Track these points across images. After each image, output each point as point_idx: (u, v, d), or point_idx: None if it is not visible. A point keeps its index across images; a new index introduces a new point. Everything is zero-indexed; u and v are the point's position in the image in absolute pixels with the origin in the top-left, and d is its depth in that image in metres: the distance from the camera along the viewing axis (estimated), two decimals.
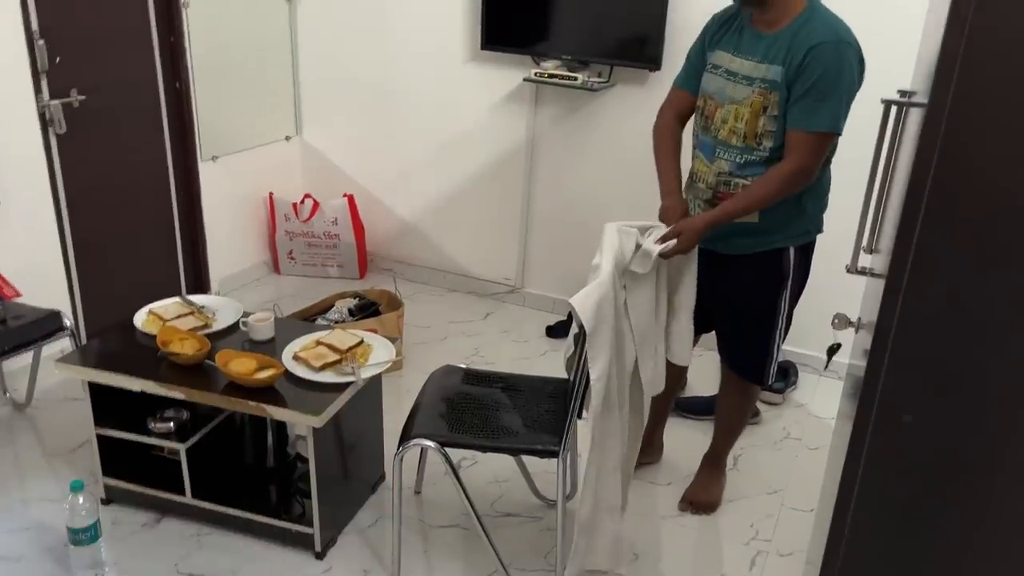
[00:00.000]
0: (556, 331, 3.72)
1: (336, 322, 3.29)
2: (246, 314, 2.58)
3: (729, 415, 2.58)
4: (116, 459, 2.46)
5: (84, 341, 3.25)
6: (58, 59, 3.05)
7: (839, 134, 2.06)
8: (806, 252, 2.28)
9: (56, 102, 3.06)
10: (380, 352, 2.41)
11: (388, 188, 4.17)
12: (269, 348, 2.43)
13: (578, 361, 2.02)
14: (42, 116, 3.03)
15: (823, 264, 2.40)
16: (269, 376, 2.20)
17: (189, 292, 3.86)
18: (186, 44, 3.53)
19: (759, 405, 3.15)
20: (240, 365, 2.23)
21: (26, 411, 2.98)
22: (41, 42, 2.96)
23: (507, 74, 3.64)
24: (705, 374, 3.43)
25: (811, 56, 1.97)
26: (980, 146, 1.06)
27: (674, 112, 2.34)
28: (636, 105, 3.45)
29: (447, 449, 2.09)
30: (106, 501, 2.51)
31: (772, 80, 2.04)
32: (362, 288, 3.95)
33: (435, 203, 4.07)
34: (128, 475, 2.47)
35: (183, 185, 3.70)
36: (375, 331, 3.23)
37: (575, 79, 3.36)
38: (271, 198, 4.12)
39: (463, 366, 2.49)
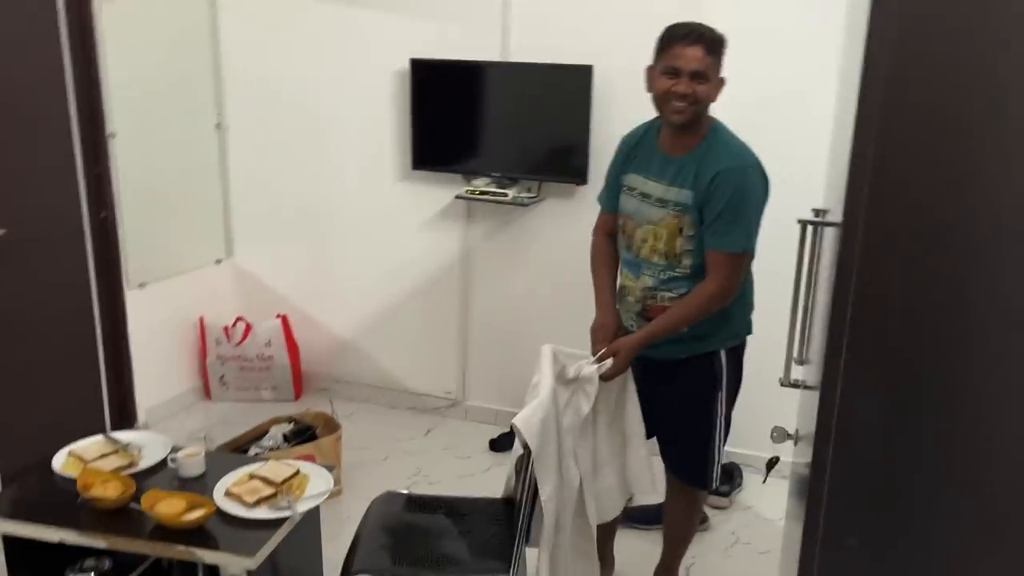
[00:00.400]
0: (499, 444, 3.66)
1: (271, 449, 3.18)
2: (175, 449, 2.46)
3: (677, 523, 2.58)
4: None
5: None
6: None
7: (752, 252, 2.18)
8: (737, 353, 2.35)
9: None
10: (317, 482, 2.32)
11: (323, 306, 4.13)
12: (200, 485, 2.32)
13: (524, 483, 1.98)
14: None
15: (758, 366, 2.44)
16: (199, 517, 2.09)
17: (115, 423, 3.69)
18: (112, 173, 3.50)
19: (707, 510, 3.12)
20: (167, 507, 2.11)
21: None
22: None
23: (438, 192, 3.71)
24: None
25: (718, 181, 2.08)
26: (895, 261, 1.10)
27: (603, 232, 2.45)
28: (566, 217, 3.54)
29: None
30: None
31: (684, 203, 2.14)
32: (297, 410, 3.83)
33: (371, 319, 4.04)
34: None
35: (108, 313, 3.59)
36: (312, 457, 3.14)
37: (505, 195, 3.44)
38: (201, 323, 4.03)
39: (404, 492, 2.41)
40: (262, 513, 2.15)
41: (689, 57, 2.06)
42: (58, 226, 3.34)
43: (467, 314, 3.84)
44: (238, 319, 4.04)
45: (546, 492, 1.86)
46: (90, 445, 2.49)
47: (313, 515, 2.40)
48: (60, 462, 2.40)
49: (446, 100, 3.56)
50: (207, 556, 2.03)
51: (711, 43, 2.07)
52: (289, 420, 3.38)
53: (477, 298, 3.81)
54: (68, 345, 3.46)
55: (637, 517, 3.09)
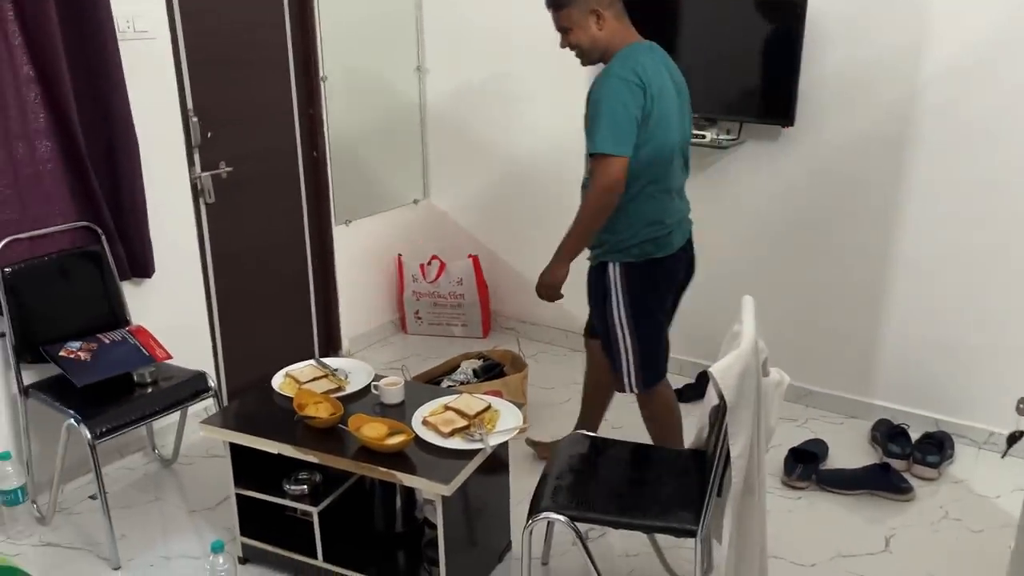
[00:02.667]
0: (685, 394, 3.59)
1: (461, 383, 3.30)
2: (377, 377, 2.62)
3: (649, 428, 2.75)
4: (254, 518, 2.52)
5: (226, 401, 3.40)
6: (209, 134, 3.26)
7: (615, 155, 2.29)
8: (637, 271, 2.47)
9: (207, 174, 3.27)
10: (507, 418, 2.38)
11: (512, 248, 4.20)
12: (398, 412, 2.45)
13: (717, 436, 1.92)
14: (194, 187, 3.24)
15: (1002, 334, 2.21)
16: (399, 442, 2.21)
17: (322, 350, 3.98)
18: (323, 115, 3.71)
19: (911, 480, 2.91)
20: (372, 430, 2.25)
21: (172, 467, 3.12)
22: (195, 119, 3.18)
23: None
24: (849, 445, 3.22)
25: (593, 86, 2.34)
26: None
27: None
28: (768, 162, 3.35)
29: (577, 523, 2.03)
30: (243, 560, 2.57)
31: (586, 101, 2.39)
32: (486, 347, 3.96)
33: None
34: (265, 535, 2.52)
35: (318, 248, 3.85)
36: (500, 393, 3.23)
37: (703, 137, 3.29)
38: (399, 260, 4.23)
39: (592, 435, 2.42)
40: (456, 443, 2.25)
41: (552, 20, 2.41)
42: (276, 165, 3.60)
43: None
44: (433, 257, 4.20)
45: (737, 449, 1.79)
46: (304, 368, 2.70)
47: (502, 450, 2.48)
48: (278, 382, 2.62)
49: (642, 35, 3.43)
50: (406, 479, 2.15)
51: (550, 2, 2.39)
52: (479, 356, 3.49)
53: None
54: (284, 276, 3.75)
55: (831, 479, 2.94)
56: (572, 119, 3.76)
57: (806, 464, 2.98)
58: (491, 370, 3.39)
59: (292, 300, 3.82)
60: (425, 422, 2.35)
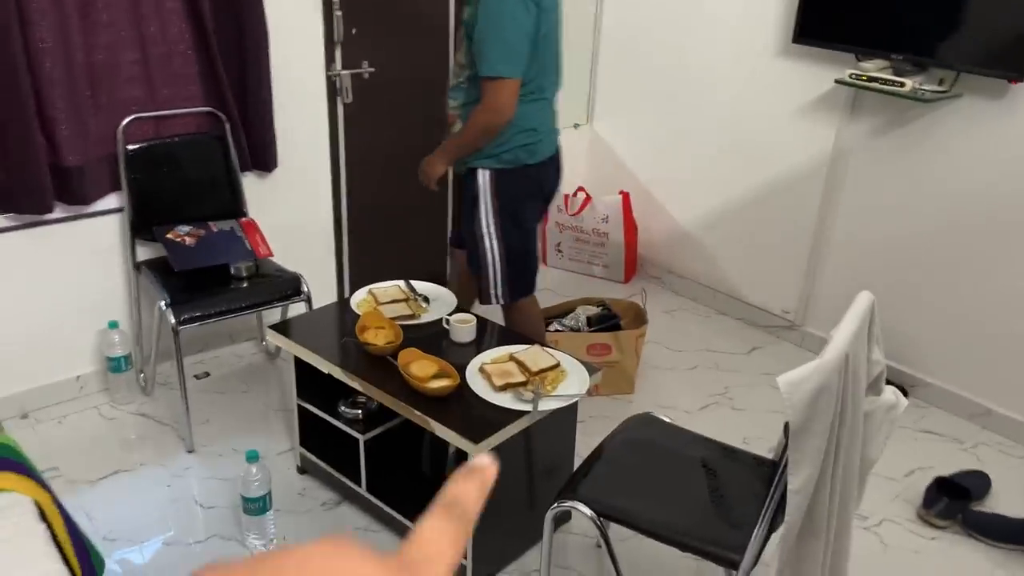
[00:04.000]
0: None
1: (572, 329, 3.04)
2: (451, 313, 2.43)
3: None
4: (315, 431, 2.47)
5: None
6: (354, 31, 3.13)
7: (508, 78, 2.21)
8: (506, 177, 2.42)
9: (347, 72, 3.16)
10: (573, 382, 2.11)
11: (668, 189, 3.79)
12: (465, 352, 2.25)
13: (781, 460, 1.53)
14: (331, 85, 3.15)
15: None
16: (442, 386, 2.02)
17: (453, 272, 3.86)
18: None
19: None
20: (418, 368, 2.07)
21: (275, 361, 3.16)
22: (339, 13, 3.06)
23: (820, 73, 3.05)
24: (1021, 486, 2.62)
25: (479, 7, 2.19)
26: None
27: None
28: (985, 124, 2.68)
29: (609, 522, 1.74)
30: (301, 470, 2.54)
31: (468, 21, 2.28)
32: (625, 293, 3.67)
33: (717, 212, 3.60)
34: (321, 451, 2.47)
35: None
36: (609, 348, 2.94)
37: (902, 85, 2.68)
38: None
39: (666, 419, 2.08)
40: (504, 400, 2.01)
41: None
42: (424, 71, 3.42)
43: (826, 227, 3.21)
44: (579, 189, 3.89)
45: (796, 482, 1.41)
46: (388, 288, 2.56)
47: (569, 410, 2.21)
48: (358, 298, 2.51)
49: None
50: (438, 428, 1.96)
51: None
52: (599, 303, 3.19)
53: (843, 210, 3.15)
54: (420, 188, 3.61)
55: (983, 526, 2.39)
56: (759, 53, 3.27)
57: (953, 499, 2.44)
58: (606, 320, 3.08)
59: (427, 214, 3.69)
60: (482, 369, 2.13)
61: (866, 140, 3.01)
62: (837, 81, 2.87)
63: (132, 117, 2.67)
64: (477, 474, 0.43)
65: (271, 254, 2.77)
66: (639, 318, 3.11)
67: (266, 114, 2.90)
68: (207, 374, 3.05)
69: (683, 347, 3.39)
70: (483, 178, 2.44)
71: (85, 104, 2.55)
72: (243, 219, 2.85)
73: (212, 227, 2.76)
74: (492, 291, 2.55)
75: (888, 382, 1.72)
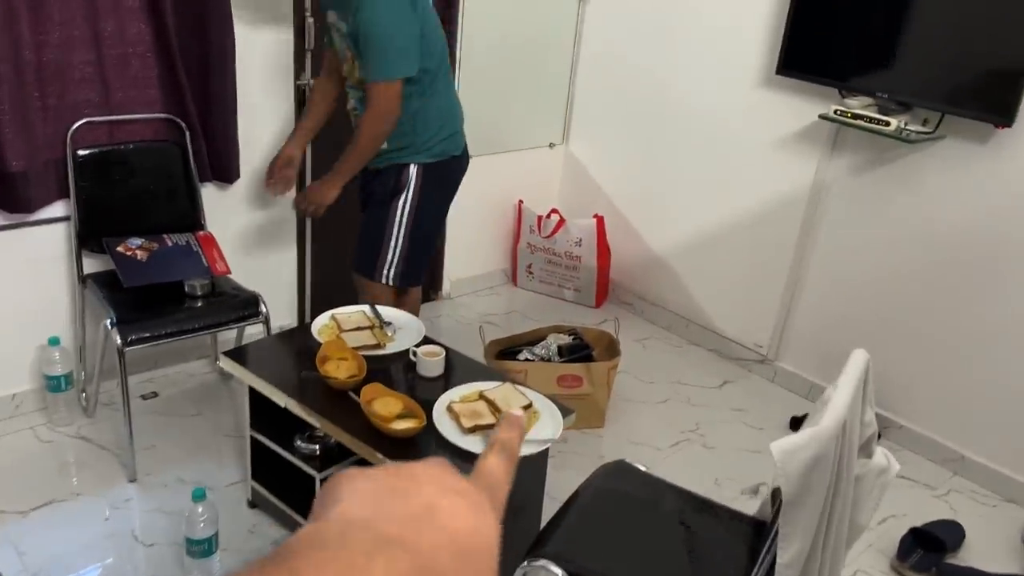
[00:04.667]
0: (801, 425, 3.02)
1: (542, 358, 2.93)
2: (427, 340, 2.31)
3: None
4: (267, 463, 2.32)
5: (297, 323, 3.24)
6: (326, 39, 2.99)
7: (394, 79, 2.28)
8: (434, 170, 2.50)
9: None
10: (546, 423, 2.00)
11: (643, 214, 3.71)
12: (432, 386, 2.13)
13: (772, 527, 1.44)
14: (301, 94, 3.00)
15: None
16: (406, 428, 1.89)
17: (423, 290, 3.73)
18: (458, 34, 3.35)
19: None
20: (383, 406, 1.95)
21: (229, 383, 3.00)
22: (311, 21, 2.92)
23: (801, 106, 2.99)
24: (994, 537, 2.57)
25: (359, 11, 2.21)
26: None
27: (327, 70, 2.62)
28: (969, 167, 2.64)
29: None
30: (252, 504, 2.39)
31: (350, 33, 2.30)
32: (597, 318, 3.59)
33: (693, 240, 3.53)
34: (274, 485, 2.32)
35: None
36: (580, 380, 2.84)
37: (887, 124, 2.63)
38: (519, 206, 3.86)
39: (642, 469, 1.98)
40: (473, 443, 1.90)
41: None
42: None
43: (803, 261, 3.15)
44: (552, 211, 3.80)
45: (786, 556, 1.32)
46: (353, 313, 2.42)
47: (540, 456, 2.10)
48: (320, 324, 2.37)
49: None
50: None
51: None
52: (570, 332, 3.09)
53: (820, 245, 3.09)
54: None
55: None
56: (741, 82, 3.20)
57: (928, 551, 2.38)
58: (578, 350, 2.98)
59: None
60: (450, 408, 2.01)
61: (847, 176, 2.96)
62: (821, 116, 2.81)
63: (83, 121, 2.50)
64: (516, 422, 0.54)
65: (228, 271, 2.62)
66: (611, 349, 3.02)
67: (229, 123, 2.75)
68: (155, 394, 2.88)
69: (654, 378, 3.30)
70: (412, 172, 2.48)
71: (32, 105, 2.38)
72: (200, 232, 2.70)
73: (167, 240, 2.60)
74: (385, 270, 2.56)
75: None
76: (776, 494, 1.36)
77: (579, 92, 3.82)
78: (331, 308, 2.43)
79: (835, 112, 2.74)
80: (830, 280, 3.09)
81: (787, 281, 3.21)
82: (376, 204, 2.55)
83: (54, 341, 2.59)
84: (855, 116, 2.68)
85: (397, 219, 2.52)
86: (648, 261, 3.73)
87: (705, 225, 3.46)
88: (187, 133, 2.69)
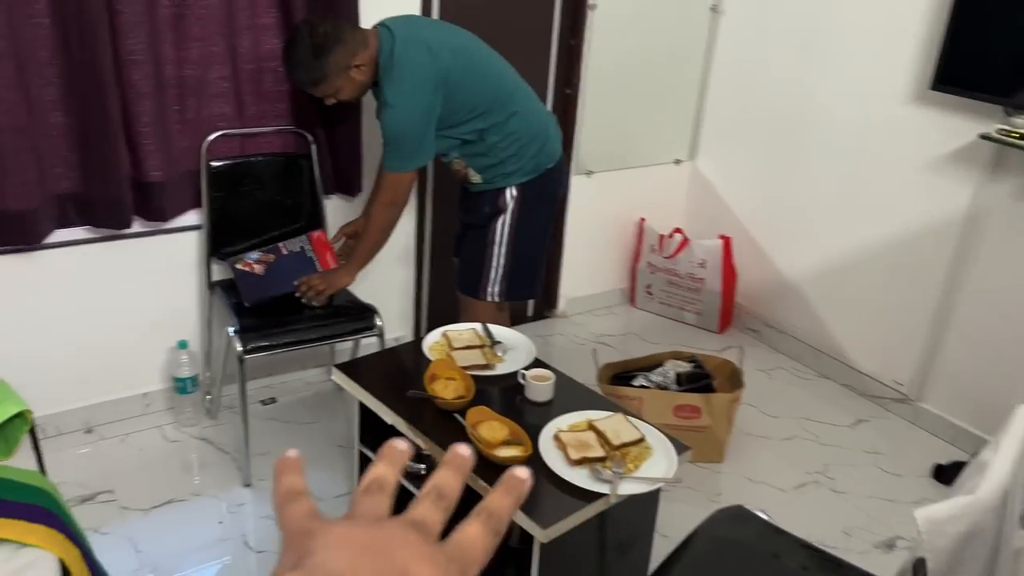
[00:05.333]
0: (947, 474, 2.75)
1: (659, 386, 2.80)
2: (537, 363, 2.24)
3: None
4: None
5: (414, 335, 3.25)
6: None
7: (405, 171, 2.39)
8: (532, 187, 2.52)
9: None
10: (658, 461, 1.88)
11: (774, 236, 3.51)
12: (540, 412, 2.06)
13: None
14: None
15: None
16: (510, 456, 1.82)
17: (537, 305, 3.68)
18: (584, 49, 3.28)
19: None
20: (488, 431, 1.89)
21: (344, 393, 3.03)
22: None
23: (958, 124, 2.73)
24: None
25: (380, 115, 2.35)
26: None
27: None
28: None
29: None
30: None
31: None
32: (719, 345, 3.44)
33: (828, 266, 3.30)
34: None
35: None
36: (698, 411, 2.70)
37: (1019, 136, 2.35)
38: (641, 224, 3.74)
39: (763, 517, 1.83)
40: (579, 477, 1.80)
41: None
42: None
43: (953, 294, 2.87)
44: (676, 230, 3.65)
45: None
46: (464, 331, 2.38)
47: (652, 492, 1.98)
48: (431, 341, 2.34)
49: None
50: None
51: (308, 84, 2.33)
52: (690, 359, 2.94)
53: (975, 277, 2.81)
54: None
55: None
56: (890, 97, 2.97)
57: None
58: (697, 379, 2.83)
59: None
60: (557, 438, 1.93)
61: (1009, 203, 2.67)
62: (982, 136, 2.55)
63: (218, 134, 2.59)
64: (515, 489, 0.49)
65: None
66: (734, 379, 2.85)
67: (354, 137, 2.79)
68: (274, 400, 2.95)
69: (779, 412, 3.10)
70: (509, 195, 2.51)
71: (172, 119, 2.48)
72: (314, 233, 2.71)
73: (282, 249, 2.64)
74: (489, 288, 2.60)
75: None
76: (920, 566, 1.20)
77: (709, 106, 3.67)
78: (446, 321, 2.41)
79: (998, 131, 2.48)
80: (987, 317, 2.79)
81: (934, 315, 2.94)
82: (473, 226, 2.60)
83: (182, 344, 2.69)
84: (1023, 136, 2.41)
85: (497, 239, 2.55)
86: (777, 285, 3.52)
87: (842, 249, 3.23)
88: (313, 146, 2.74)
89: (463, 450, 0.50)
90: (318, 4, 2.57)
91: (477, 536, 0.47)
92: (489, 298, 2.62)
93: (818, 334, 3.38)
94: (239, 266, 2.57)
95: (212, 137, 2.58)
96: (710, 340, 3.57)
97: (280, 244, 2.64)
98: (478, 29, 3.01)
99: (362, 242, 2.52)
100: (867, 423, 3.08)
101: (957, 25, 2.62)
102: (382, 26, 2.35)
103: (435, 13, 2.90)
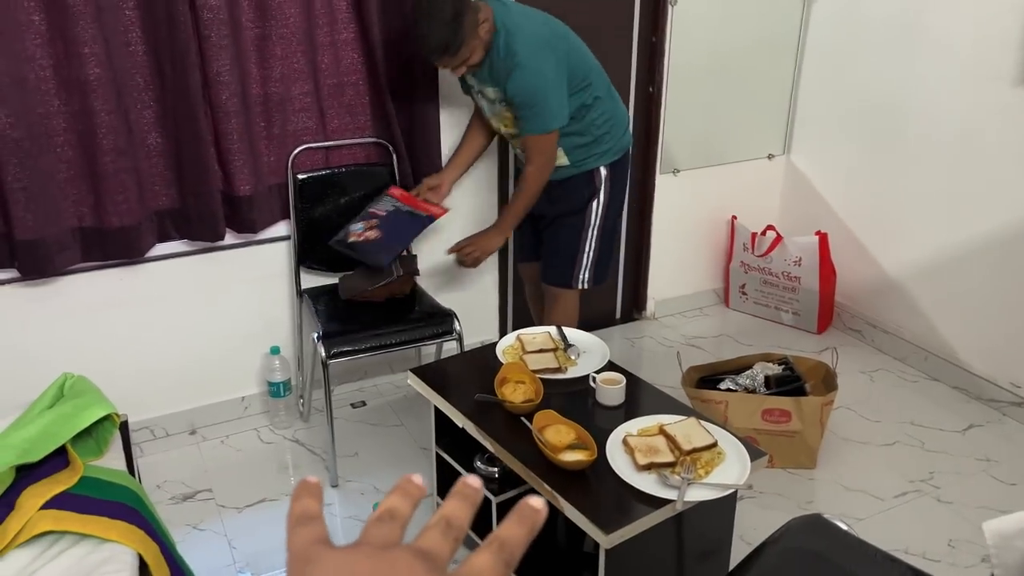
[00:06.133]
0: None
1: (747, 389, 2.71)
2: (611, 366, 2.21)
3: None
4: (451, 480, 2.34)
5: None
6: None
7: (551, 131, 2.42)
8: (619, 166, 2.61)
9: None
10: (731, 466, 1.82)
11: (875, 231, 3.32)
12: (612, 416, 2.03)
13: None
14: None
15: None
16: (575, 460, 1.81)
17: (625, 307, 3.64)
18: (666, 45, 3.22)
19: None
20: (555, 434, 1.88)
21: None
22: None
23: None
24: None
25: (510, 81, 2.35)
26: None
27: (478, 114, 2.68)
28: None
29: None
30: None
31: (504, 99, 2.44)
32: (817, 346, 3.32)
33: (934, 261, 3.10)
34: None
35: (636, 196, 3.44)
36: (788, 415, 2.59)
37: None
38: (733, 222, 3.62)
39: (843, 527, 1.73)
40: (646, 482, 1.77)
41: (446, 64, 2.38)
42: None
43: None
44: (768, 228, 3.52)
45: None
46: (537, 335, 2.39)
47: (729, 498, 1.92)
48: (505, 344, 2.35)
49: None
50: (566, 508, 1.75)
51: (451, 49, 2.29)
52: (781, 361, 2.82)
53: None
54: None
55: None
56: (994, 82, 2.76)
57: None
58: (788, 382, 2.71)
59: None
60: (625, 442, 1.90)
61: None
62: None
63: (303, 147, 2.69)
64: (529, 519, 0.48)
65: (445, 210, 2.69)
66: (828, 382, 2.72)
67: (433, 146, 2.84)
68: (363, 403, 3.03)
69: (882, 416, 2.93)
70: (603, 174, 2.58)
71: (258, 135, 2.60)
72: (393, 190, 2.72)
73: (378, 212, 2.67)
74: (580, 276, 2.66)
75: None
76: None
77: (802, 99, 3.52)
78: (531, 324, 2.42)
79: None
80: None
81: None
82: (567, 214, 2.64)
83: (275, 350, 2.81)
84: None
85: (592, 222, 2.62)
86: (880, 283, 3.33)
87: (949, 244, 3.03)
88: (394, 156, 2.80)
89: (473, 481, 0.50)
90: (392, 15, 2.63)
91: (486, 566, 0.46)
92: (580, 285, 2.68)
93: (926, 334, 3.18)
94: (353, 239, 2.62)
95: (297, 151, 2.69)
96: (809, 341, 3.42)
97: (370, 210, 2.68)
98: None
99: (518, 203, 2.55)
100: (980, 428, 2.87)
101: None
102: None
103: None
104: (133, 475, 1.84)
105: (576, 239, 2.64)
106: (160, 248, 2.61)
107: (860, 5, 3.19)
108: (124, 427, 1.98)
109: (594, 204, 2.62)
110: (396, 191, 2.73)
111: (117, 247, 2.48)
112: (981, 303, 2.95)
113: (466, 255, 2.61)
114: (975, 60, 2.80)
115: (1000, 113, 2.76)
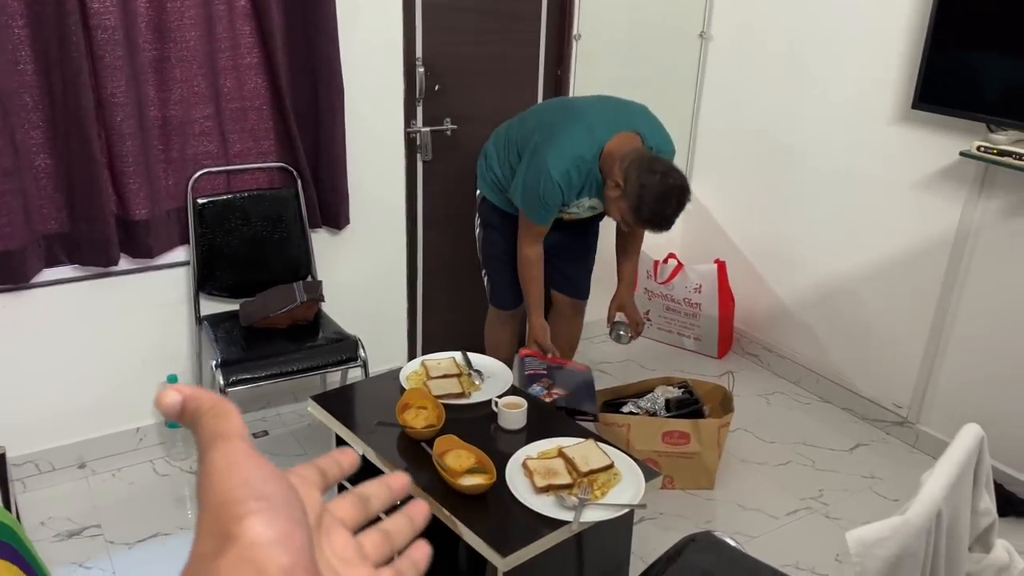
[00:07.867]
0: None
1: (648, 412, 2.78)
2: (514, 390, 2.24)
3: (573, 335, 3.12)
4: None
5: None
6: (436, 87, 3.04)
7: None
8: None
9: (427, 129, 3.07)
10: (626, 487, 1.86)
11: (770, 260, 3.48)
12: (514, 440, 2.05)
13: None
14: (411, 142, 3.06)
15: None
16: (475, 484, 1.81)
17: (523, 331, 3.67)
18: (571, 78, 3.31)
19: None
20: (454, 460, 1.88)
21: None
22: (422, 70, 2.98)
23: (941, 143, 2.71)
24: None
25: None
26: None
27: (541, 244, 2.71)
28: None
29: None
30: None
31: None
32: (718, 369, 3.40)
33: (825, 288, 3.26)
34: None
35: None
36: (687, 437, 2.67)
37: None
38: None
39: (732, 544, 1.79)
40: (544, 504, 1.79)
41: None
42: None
43: (947, 314, 2.82)
44: (669, 256, 3.63)
45: None
46: (443, 360, 2.40)
47: (625, 518, 1.96)
48: (408, 370, 2.35)
49: (989, 9, 2.49)
50: (465, 533, 1.75)
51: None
52: (681, 385, 2.91)
53: (968, 296, 2.76)
54: None
55: None
56: (873, 118, 2.95)
57: None
58: (686, 405, 2.80)
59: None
60: (525, 465, 1.92)
61: (998, 220, 2.63)
62: (962, 154, 2.52)
63: (203, 171, 2.65)
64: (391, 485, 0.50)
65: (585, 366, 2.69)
66: (725, 405, 2.81)
67: (339, 171, 2.83)
68: (265, 433, 2.97)
69: (776, 438, 3.05)
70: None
71: (156, 158, 2.54)
72: (524, 353, 2.67)
73: (532, 375, 2.54)
74: (589, 285, 3.03)
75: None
76: None
77: (702, 132, 3.67)
78: (441, 348, 2.41)
79: (978, 148, 2.44)
80: (980, 336, 2.74)
81: (929, 335, 2.88)
82: (581, 235, 2.91)
83: (172, 379, 2.72)
84: (1001, 152, 2.38)
85: (596, 237, 2.97)
86: (775, 310, 3.48)
87: (838, 272, 3.19)
88: (299, 181, 2.78)
89: (402, 475, 0.51)
90: (298, 41, 2.63)
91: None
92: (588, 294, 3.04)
93: (818, 358, 3.33)
94: (547, 399, 2.45)
95: (197, 175, 2.64)
96: (709, 365, 3.53)
97: (525, 375, 2.55)
98: (464, 61, 3.07)
99: (634, 267, 2.95)
100: (866, 447, 3.01)
101: (936, 42, 2.60)
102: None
103: (418, 40, 2.94)
104: (10, 510, 1.74)
105: (589, 252, 2.98)
106: (49, 273, 2.50)
107: (752, 43, 3.37)
108: (1, 460, 1.88)
109: (599, 221, 2.91)
110: (529, 353, 2.68)
111: (1, 272, 2.37)
112: (866, 328, 3.12)
113: (636, 333, 2.94)
114: (855, 97, 2.99)
115: (878, 148, 2.94)
